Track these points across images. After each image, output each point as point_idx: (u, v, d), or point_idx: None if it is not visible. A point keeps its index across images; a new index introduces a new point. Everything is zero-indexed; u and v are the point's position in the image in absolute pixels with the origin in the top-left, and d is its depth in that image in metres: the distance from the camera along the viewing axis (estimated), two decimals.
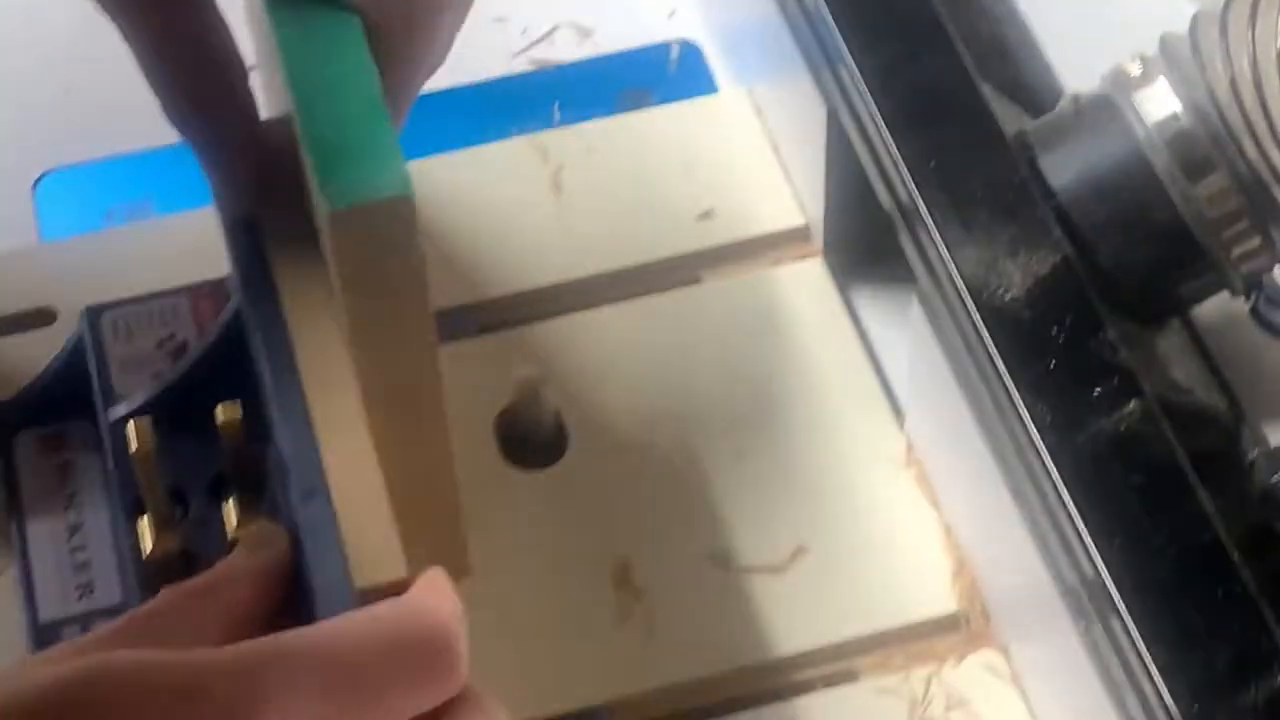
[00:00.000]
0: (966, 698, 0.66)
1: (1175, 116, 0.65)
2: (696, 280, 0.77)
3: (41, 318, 0.75)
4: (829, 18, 0.70)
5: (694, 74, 0.84)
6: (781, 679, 0.67)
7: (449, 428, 0.59)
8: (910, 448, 0.71)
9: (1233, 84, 0.64)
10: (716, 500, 0.70)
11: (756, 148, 0.79)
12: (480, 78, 0.83)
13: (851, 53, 0.69)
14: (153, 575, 0.62)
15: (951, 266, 0.64)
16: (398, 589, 0.53)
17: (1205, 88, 0.64)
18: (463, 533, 0.61)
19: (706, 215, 0.77)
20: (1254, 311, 0.68)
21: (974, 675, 0.67)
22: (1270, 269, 0.67)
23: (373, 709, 0.49)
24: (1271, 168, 0.63)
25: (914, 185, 0.66)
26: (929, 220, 0.65)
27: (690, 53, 0.85)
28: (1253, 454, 0.66)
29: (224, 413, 0.60)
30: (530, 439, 0.72)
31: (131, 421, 0.61)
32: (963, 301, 0.63)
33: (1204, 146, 0.65)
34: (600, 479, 0.71)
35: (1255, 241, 0.65)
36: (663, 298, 0.76)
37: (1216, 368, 0.69)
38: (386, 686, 0.49)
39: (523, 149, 0.79)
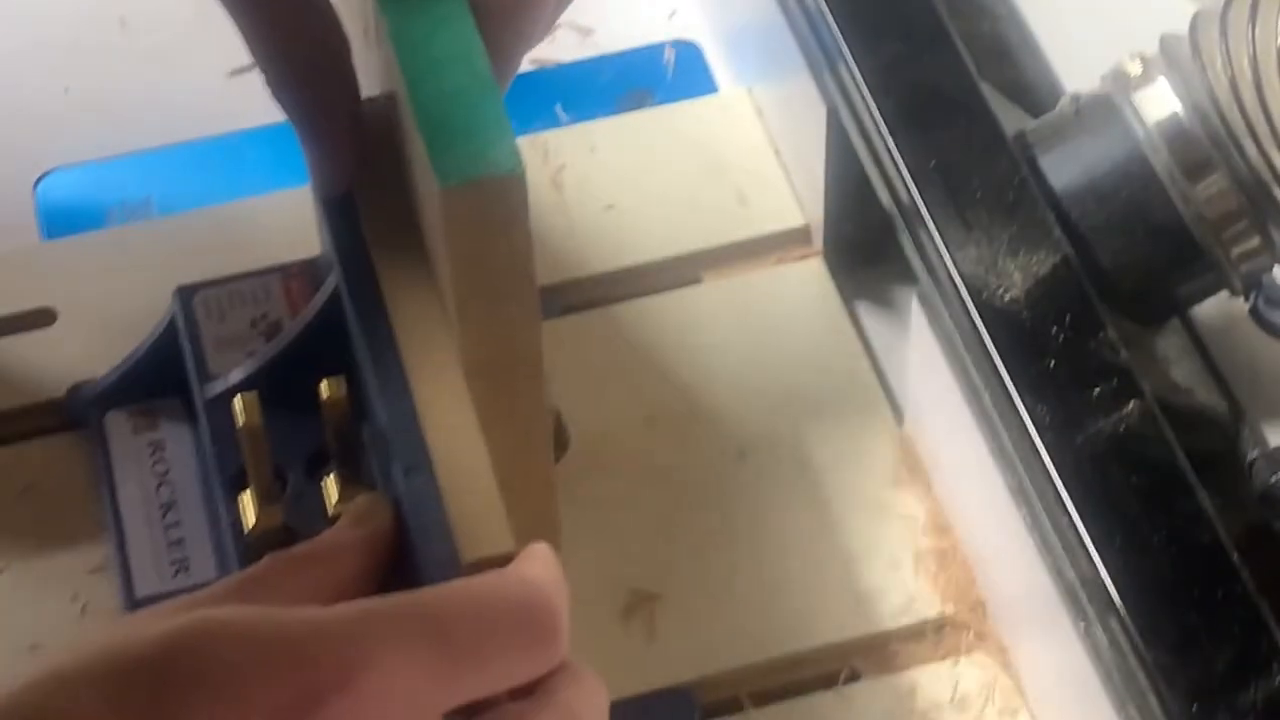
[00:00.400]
0: (966, 698, 0.66)
1: (1175, 116, 0.65)
2: (696, 280, 0.77)
3: (41, 318, 0.75)
4: (829, 18, 0.70)
5: (694, 74, 0.84)
6: (781, 679, 0.67)
7: (546, 403, 0.59)
8: (910, 448, 0.71)
9: (1233, 84, 0.64)
10: (717, 500, 0.70)
11: (756, 148, 0.79)
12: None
13: (851, 53, 0.69)
14: (254, 550, 0.63)
15: (951, 267, 0.64)
16: (504, 562, 0.53)
17: (1205, 88, 0.64)
18: (556, 510, 0.61)
19: (707, 215, 0.77)
20: (1254, 311, 0.68)
21: (974, 675, 0.67)
22: (1270, 269, 0.67)
23: (474, 674, 0.49)
24: (1271, 168, 0.64)
25: (914, 185, 0.66)
26: (929, 220, 0.65)
27: (690, 53, 0.85)
28: (1252, 454, 0.66)
29: (329, 388, 0.60)
30: None
31: (239, 396, 0.61)
32: (963, 301, 0.64)
33: (1204, 146, 0.65)
34: (601, 479, 0.71)
35: (1255, 241, 0.65)
36: (663, 298, 0.76)
37: (1216, 368, 0.69)
38: (489, 653, 0.49)
39: (523, 149, 0.78)
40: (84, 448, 0.72)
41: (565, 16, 0.85)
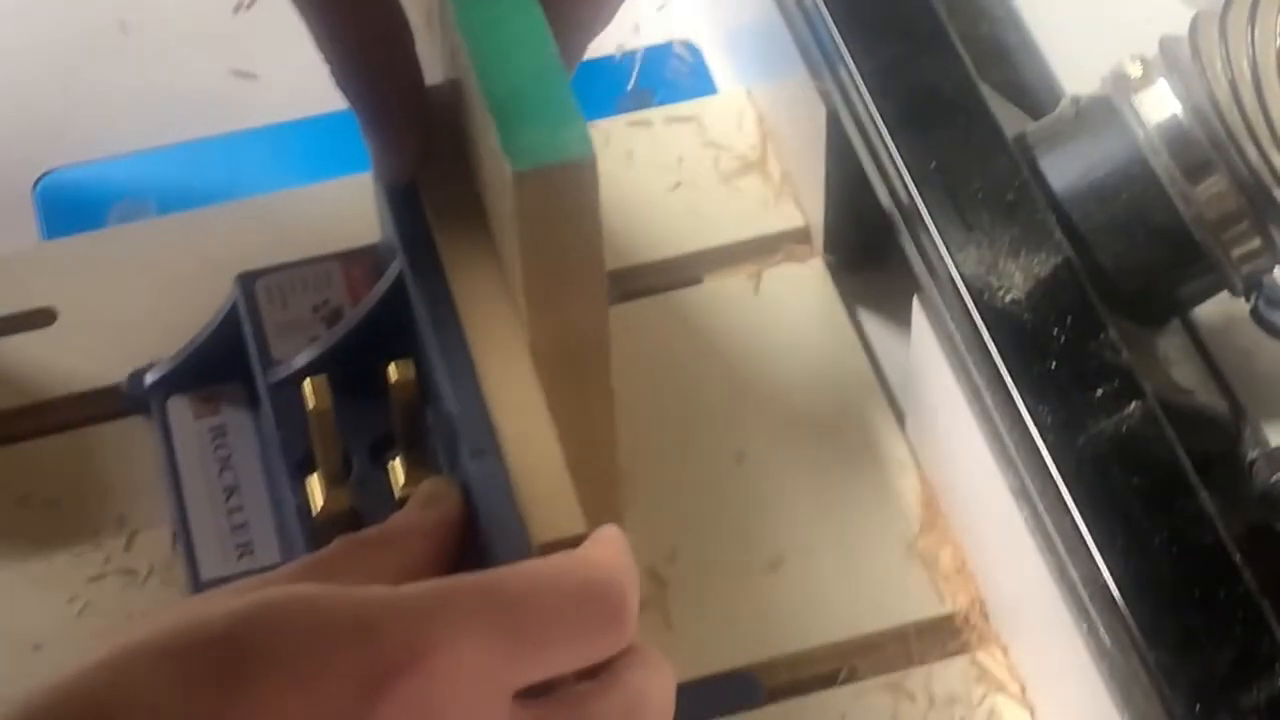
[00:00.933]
0: (967, 698, 0.66)
1: (1175, 118, 0.65)
2: (697, 280, 0.77)
3: (41, 318, 0.75)
4: (829, 18, 0.70)
5: (694, 74, 0.84)
6: (781, 679, 0.67)
7: (613, 390, 0.59)
8: (910, 448, 0.71)
9: (1232, 85, 0.64)
10: (716, 500, 0.70)
11: (756, 148, 0.79)
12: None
13: (851, 53, 0.69)
14: (321, 533, 0.63)
15: (952, 267, 0.64)
16: (575, 544, 0.53)
17: (1205, 89, 0.65)
18: (620, 496, 0.62)
19: (707, 215, 0.77)
20: (1254, 312, 0.68)
21: (974, 675, 0.67)
22: (1270, 270, 0.67)
23: (540, 653, 0.50)
24: (1271, 169, 0.64)
25: (914, 185, 0.66)
26: (929, 221, 0.65)
27: (690, 53, 0.85)
28: (1253, 454, 0.66)
29: (398, 371, 0.60)
30: None
31: (308, 380, 0.61)
32: (963, 302, 0.64)
33: (1204, 148, 0.65)
34: None
35: (1255, 242, 0.65)
36: (663, 298, 0.76)
37: (1216, 368, 0.69)
38: (556, 634, 0.50)
39: None
40: (82, 449, 0.72)
41: None
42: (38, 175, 0.81)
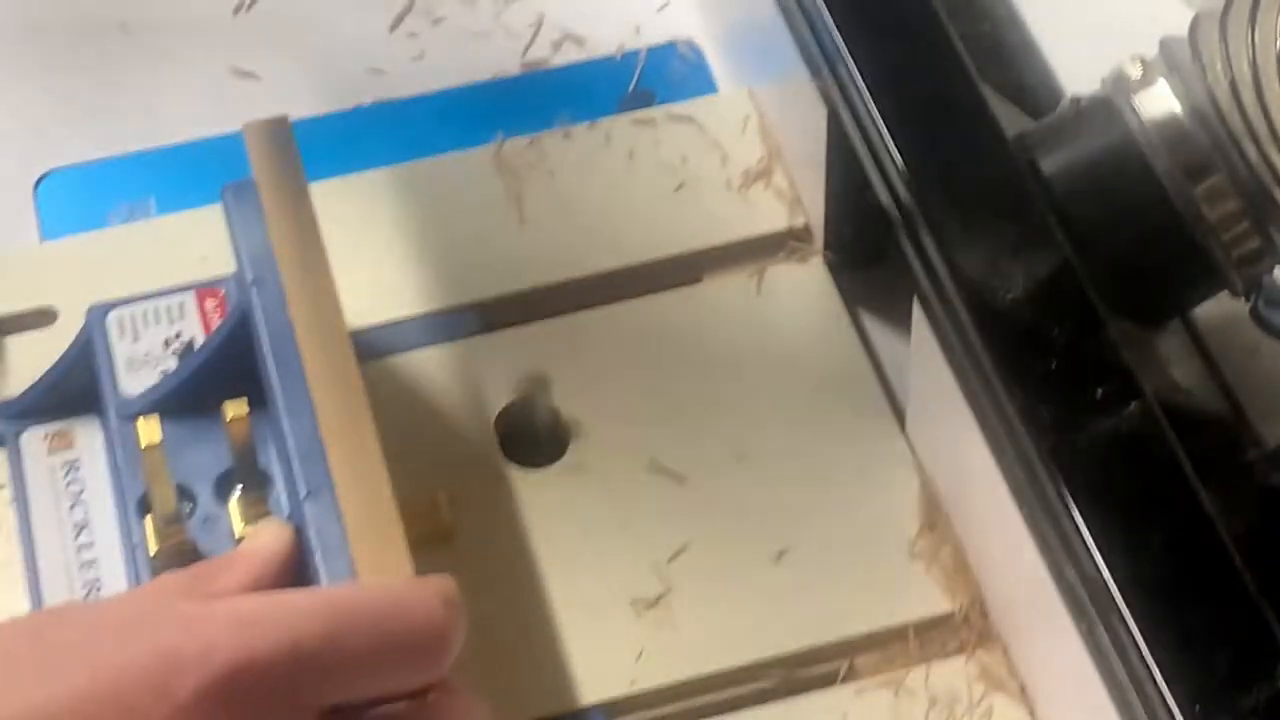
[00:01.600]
0: (966, 698, 0.66)
1: (1175, 118, 0.65)
2: (697, 280, 0.77)
3: (42, 318, 0.75)
4: (829, 18, 0.70)
5: (694, 74, 0.84)
6: (780, 678, 0.67)
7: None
8: (910, 448, 0.71)
9: (1233, 86, 0.64)
10: (716, 501, 0.70)
11: (756, 148, 0.79)
12: (483, 79, 0.83)
13: (852, 53, 0.69)
14: (159, 572, 0.63)
15: (952, 267, 0.64)
16: None
17: (1205, 90, 0.65)
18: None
19: (707, 215, 0.77)
20: (1254, 312, 0.68)
21: (974, 675, 0.67)
22: (1270, 270, 0.67)
23: (344, 674, 0.52)
24: (1272, 169, 0.64)
25: (914, 186, 0.66)
26: (929, 221, 0.65)
27: (690, 53, 0.85)
28: (1252, 454, 0.66)
29: (231, 409, 0.60)
30: (530, 439, 0.72)
31: (140, 418, 0.61)
32: (963, 302, 0.64)
33: (1204, 148, 0.65)
34: (600, 479, 0.71)
35: (1255, 243, 0.65)
36: (663, 298, 0.76)
37: (1216, 368, 0.69)
38: (361, 656, 0.52)
39: (525, 149, 0.79)
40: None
41: (563, 26, 0.85)
42: (38, 175, 0.81)
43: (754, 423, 0.72)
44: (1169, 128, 0.65)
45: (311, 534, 0.56)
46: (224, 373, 0.64)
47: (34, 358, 0.73)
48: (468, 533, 0.69)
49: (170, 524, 0.63)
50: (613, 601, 0.68)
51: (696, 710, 0.67)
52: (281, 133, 0.64)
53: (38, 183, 0.81)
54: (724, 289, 0.76)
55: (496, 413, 0.72)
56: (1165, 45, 0.66)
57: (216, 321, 0.68)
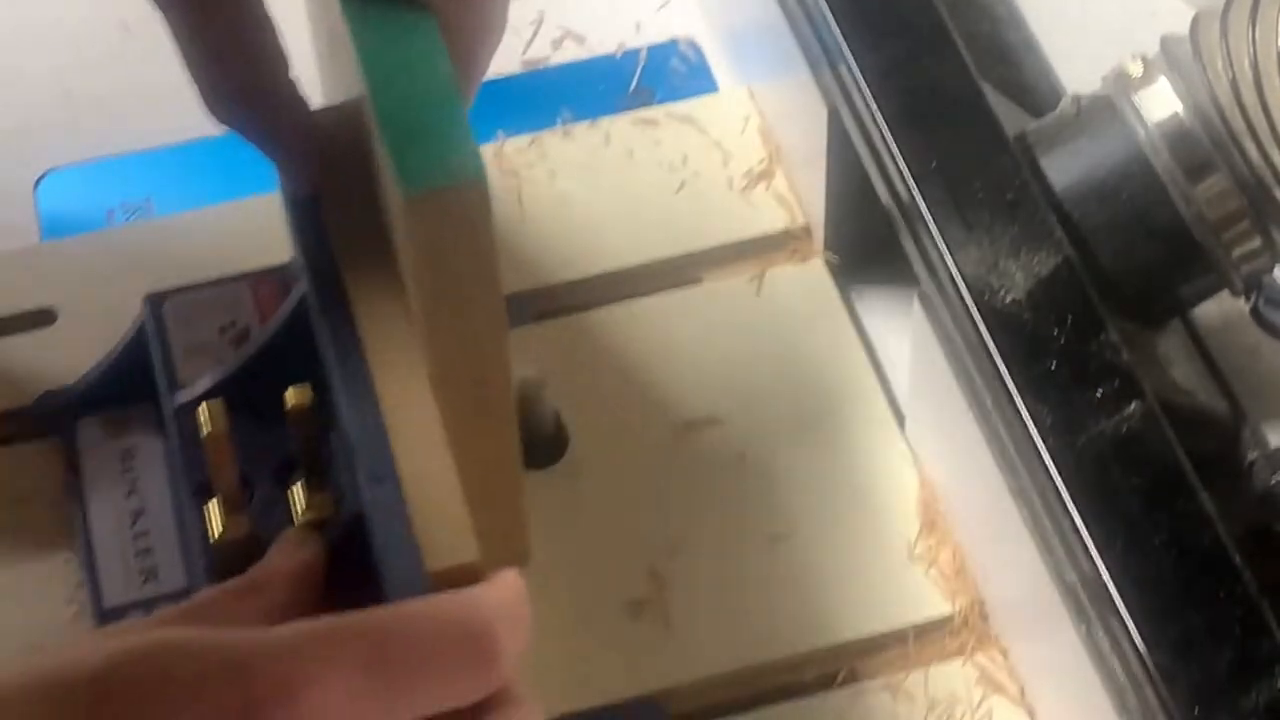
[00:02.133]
0: (966, 699, 0.66)
1: (1176, 117, 0.65)
2: (697, 280, 0.77)
3: (41, 318, 0.75)
4: (830, 17, 0.70)
5: (694, 73, 0.84)
6: (781, 679, 0.67)
7: (514, 413, 0.59)
8: (910, 448, 0.71)
9: (1233, 85, 0.64)
10: (716, 501, 0.70)
11: (756, 148, 0.79)
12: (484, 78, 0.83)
13: (852, 52, 0.69)
14: (221, 559, 0.63)
15: (952, 267, 0.64)
16: (469, 572, 0.54)
17: (1206, 88, 0.64)
18: (524, 519, 0.62)
19: (707, 215, 0.77)
20: (1254, 312, 0.68)
21: (973, 675, 0.67)
22: (1270, 269, 0.67)
23: (411, 695, 0.50)
24: (1272, 169, 0.63)
25: (914, 185, 0.66)
26: (929, 220, 0.65)
27: (690, 52, 0.85)
28: (1253, 455, 0.66)
29: (294, 396, 0.60)
30: (530, 439, 0.72)
31: (204, 404, 0.61)
32: (963, 302, 0.63)
33: (1205, 147, 0.65)
34: (600, 479, 0.71)
35: (1256, 242, 0.65)
36: (663, 298, 0.76)
37: (1216, 368, 0.69)
38: (426, 676, 0.51)
39: (525, 149, 0.79)
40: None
41: (563, 25, 0.85)
42: (38, 175, 0.81)
43: (754, 423, 0.72)
44: (1170, 126, 0.65)
45: (376, 520, 0.56)
46: (282, 360, 0.63)
47: (34, 358, 0.73)
48: None
49: (233, 510, 0.63)
50: (611, 603, 0.68)
51: (698, 712, 0.67)
52: (336, 120, 0.64)
53: (38, 183, 0.81)
54: (724, 289, 0.76)
55: None
56: (1166, 43, 0.66)
57: (271, 310, 0.68)
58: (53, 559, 0.70)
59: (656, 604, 0.68)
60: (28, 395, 0.73)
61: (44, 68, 0.84)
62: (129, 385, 0.70)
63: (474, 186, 0.53)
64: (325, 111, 0.61)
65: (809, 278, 0.76)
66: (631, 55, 0.84)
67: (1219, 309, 0.69)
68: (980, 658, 0.67)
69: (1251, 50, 0.64)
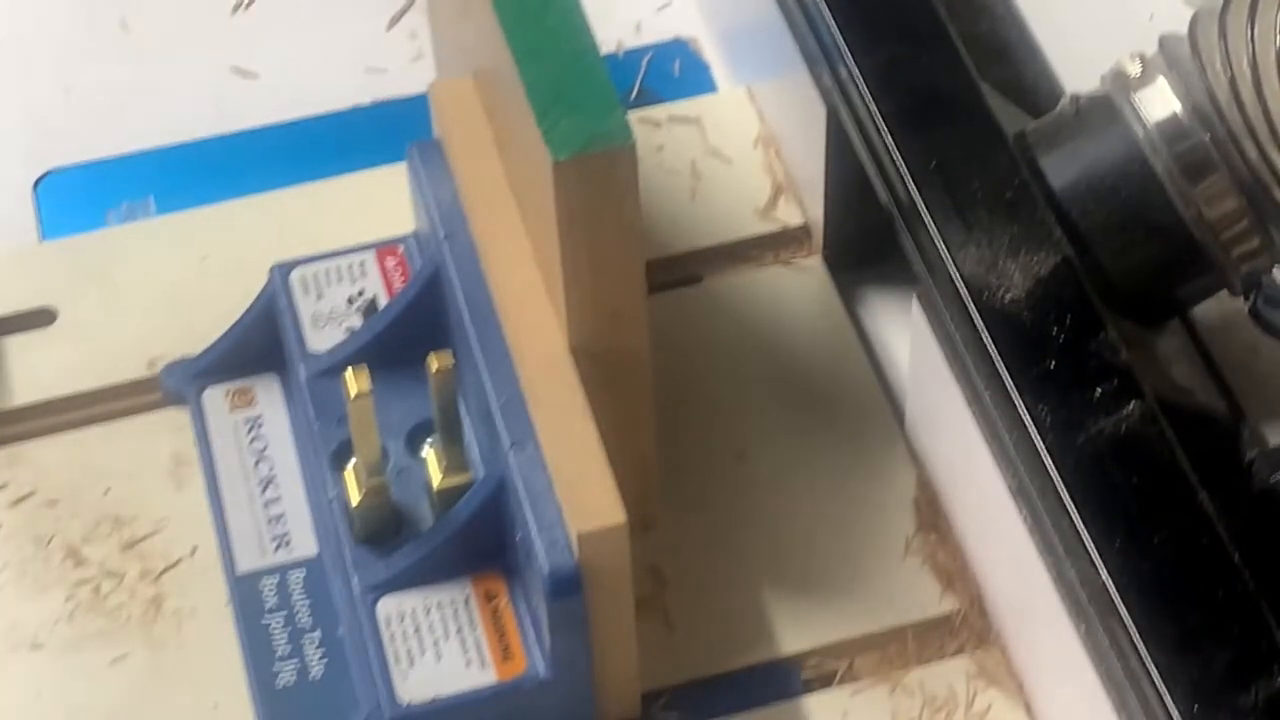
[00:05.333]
0: (965, 698, 0.66)
1: (1175, 117, 0.65)
2: (697, 280, 0.77)
3: (41, 318, 0.75)
4: (829, 17, 0.70)
5: (694, 73, 0.84)
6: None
7: (653, 379, 0.59)
8: (910, 448, 0.71)
9: (1232, 84, 0.64)
10: (716, 499, 0.70)
11: (756, 148, 0.79)
12: None
13: (852, 52, 0.69)
14: (360, 523, 0.63)
15: (952, 267, 0.64)
16: (617, 534, 0.54)
17: (1205, 88, 0.64)
18: (655, 483, 0.62)
19: (707, 215, 0.77)
20: (1254, 312, 0.68)
21: (972, 676, 0.67)
22: (1270, 270, 0.67)
23: None
24: (1271, 168, 0.64)
25: (914, 185, 0.66)
26: (929, 220, 0.65)
27: (690, 52, 0.85)
28: (1252, 454, 0.66)
29: (437, 361, 0.61)
30: None
31: (350, 369, 0.61)
32: (963, 302, 0.64)
33: (1204, 147, 0.65)
34: None
35: (1255, 242, 0.65)
36: (663, 298, 0.76)
37: (1216, 368, 0.69)
38: None
39: None
40: (82, 450, 0.72)
41: None
42: (38, 175, 0.81)
43: (754, 423, 0.72)
44: (1169, 126, 0.65)
45: (519, 485, 0.56)
46: (414, 328, 0.64)
47: (34, 358, 0.73)
48: None
49: (373, 475, 0.63)
50: None
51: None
52: (465, 93, 0.64)
53: (38, 183, 0.81)
54: (724, 288, 0.76)
55: None
56: (1165, 43, 0.66)
57: (397, 279, 0.69)
58: (54, 557, 0.70)
59: (657, 602, 0.68)
60: (28, 395, 0.73)
61: (44, 68, 0.84)
62: (255, 354, 0.71)
63: (623, 150, 0.54)
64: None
65: (809, 278, 0.76)
66: (631, 55, 0.85)
67: (1218, 309, 0.69)
68: (979, 656, 0.67)
69: (1250, 50, 0.64)
